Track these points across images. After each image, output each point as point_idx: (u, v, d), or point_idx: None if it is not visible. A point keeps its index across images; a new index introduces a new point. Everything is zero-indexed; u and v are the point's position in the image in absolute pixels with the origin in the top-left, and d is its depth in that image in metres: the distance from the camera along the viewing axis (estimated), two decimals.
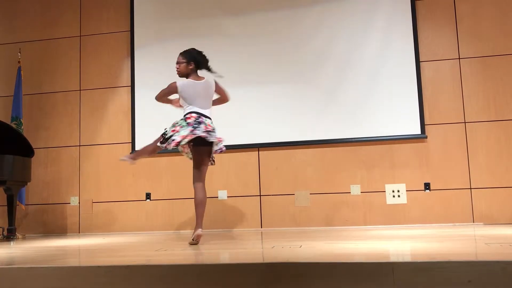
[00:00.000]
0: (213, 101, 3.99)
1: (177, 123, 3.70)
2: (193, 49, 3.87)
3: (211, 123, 3.76)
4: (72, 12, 6.01)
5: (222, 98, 4.06)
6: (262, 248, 3.19)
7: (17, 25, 6.12)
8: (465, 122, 5.04)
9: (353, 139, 5.19)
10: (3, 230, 5.04)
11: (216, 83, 3.93)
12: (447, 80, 5.13)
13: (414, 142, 5.11)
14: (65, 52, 5.95)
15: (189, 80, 3.79)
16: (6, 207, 5.03)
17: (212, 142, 3.68)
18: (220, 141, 3.78)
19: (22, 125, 5.64)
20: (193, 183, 3.77)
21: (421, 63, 5.16)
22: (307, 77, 5.34)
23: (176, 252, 3.10)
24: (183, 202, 5.44)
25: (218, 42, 5.54)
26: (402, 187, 5.06)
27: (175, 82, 3.78)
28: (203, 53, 3.88)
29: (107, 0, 5.94)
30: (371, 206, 5.09)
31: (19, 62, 5.83)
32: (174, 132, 3.62)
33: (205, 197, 3.74)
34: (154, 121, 5.59)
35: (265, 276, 2.20)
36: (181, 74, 3.83)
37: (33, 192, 5.76)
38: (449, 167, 5.01)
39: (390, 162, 5.12)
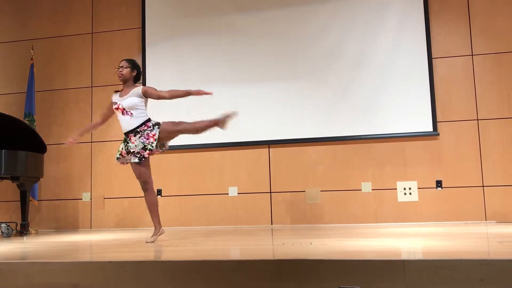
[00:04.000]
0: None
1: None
2: (136, 60, 3.95)
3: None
4: (84, 9, 6.05)
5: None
6: (273, 245, 3.19)
7: (30, 23, 6.17)
8: (477, 119, 5.00)
9: (364, 136, 5.16)
10: (16, 225, 5.10)
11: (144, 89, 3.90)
12: (459, 77, 5.09)
13: (426, 140, 5.07)
14: (77, 49, 5.99)
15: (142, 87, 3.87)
16: (19, 202, 5.09)
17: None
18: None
19: (34, 122, 5.69)
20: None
21: (433, 60, 5.12)
22: (318, 75, 5.32)
23: (186, 248, 3.11)
24: (193, 198, 5.46)
25: (229, 40, 5.55)
26: (413, 184, 5.03)
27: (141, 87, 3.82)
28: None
29: None
30: (382, 203, 5.07)
31: (31, 59, 5.89)
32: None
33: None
34: (164, 117, 5.61)
35: (275, 273, 2.20)
36: (123, 78, 3.81)
37: (45, 188, 5.82)
38: (461, 165, 4.97)
39: (401, 160, 5.09)
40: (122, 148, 3.74)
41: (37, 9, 6.17)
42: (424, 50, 5.12)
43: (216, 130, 3.87)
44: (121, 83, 3.85)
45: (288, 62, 5.40)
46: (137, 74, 3.87)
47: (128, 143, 3.70)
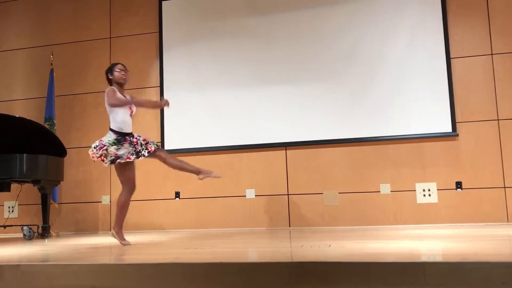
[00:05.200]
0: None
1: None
2: None
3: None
4: (102, 15, 6.13)
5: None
6: (291, 247, 3.18)
7: (49, 29, 6.27)
8: (498, 120, 4.92)
9: (382, 138, 5.12)
10: (38, 228, 5.17)
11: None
12: (479, 77, 5.02)
13: (445, 140, 5.01)
14: (95, 54, 6.07)
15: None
16: (40, 205, 5.16)
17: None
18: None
19: (54, 126, 5.77)
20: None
21: (451, 59, 5.06)
22: (335, 76, 5.30)
23: (205, 250, 3.13)
24: (212, 200, 5.48)
25: (245, 43, 5.57)
26: (433, 186, 4.98)
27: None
28: None
29: (136, 2, 6.03)
30: (401, 205, 5.02)
31: (51, 64, 5.98)
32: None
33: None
34: (182, 120, 5.67)
35: (294, 275, 2.19)
36: (126, 82, 3.95)
37: (66, 191, 5.90)
38: (481, 165, 4.90)
39: (420, 161, 5.04)
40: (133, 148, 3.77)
41: (56, 15, 6.27)
42: (442, 50, 5.07)
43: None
44: (120, 85, 3.91)
45: (305, 64, 5.39)
46: None
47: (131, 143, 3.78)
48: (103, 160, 3.71)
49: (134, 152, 3.73)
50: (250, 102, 5.48)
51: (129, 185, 3.83)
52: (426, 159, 5.03)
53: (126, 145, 3.74)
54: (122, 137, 3.75)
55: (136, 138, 3.83)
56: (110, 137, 3.75)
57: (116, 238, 3.81)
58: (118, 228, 3.80)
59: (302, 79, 5.38)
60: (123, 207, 3.81)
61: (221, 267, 2.31)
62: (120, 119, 3.78)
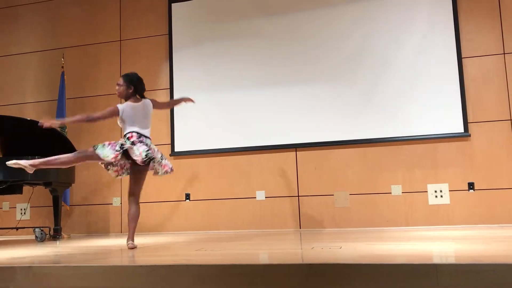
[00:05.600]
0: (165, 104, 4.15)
1: (121, 143, 3.66)
2: (135, 74, 3.87)
3: (151, 143, 3.77)
4: (112, 17, 6.16)
5: (167, 107, 4.39)
6: (301, 249, 3.17)
7: (60, 32, 6.32)
8: (511, 120, 4.87)
9: (393, 138, 5.09)
10: (49, 230, 5.21)
11: (153, 101, 3.95)
12: (491, 76, 4.97)
13: (457, 141, 4.97)
14: (106, 56, 6.11)
15: (128, 103, 3.80)
16: (52, 207, 5.20)
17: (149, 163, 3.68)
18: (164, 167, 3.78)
19: (66, 128, 5.81)
20: (128, 197, 3.77)
21: (463, 59, 5.01)
22: (345, 76, 5.28)
23: (215, 252, 3.12)
24: (222, 202, 5.48)
25: (254, 44, 5.57)
26: (445, 187, 4.93)
27: (116, 107, 3.74)
28: (142, 80, 3.87)
29: (145, 5, 6.06)
30: (412, 206, 4.98)
31: (62, 67, 6.03)
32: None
33: (137, 212, 3.72)
34: (192, 123, 5.68)
35: (305, 277, 2.18)
36: (121, 96, 3.84)
37: (77, 193, 5.93)
38: (494, 166, 4.85)
39: (432, 162, 5.00)
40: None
41: (67, 18, 6.32)
42: (454, 49, 5.02)
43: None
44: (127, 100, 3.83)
45: (315, 65, 5.37)
46: (135, 89, 3.82)
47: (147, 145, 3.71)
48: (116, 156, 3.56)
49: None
50: (260, 103, 5.48)
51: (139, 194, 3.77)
52: (438, 160, 4.99)
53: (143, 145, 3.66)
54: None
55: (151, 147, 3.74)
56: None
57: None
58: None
59: (312, 79, 5.36)
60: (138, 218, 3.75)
61: (232, 269, 2.30)
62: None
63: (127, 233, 3.70)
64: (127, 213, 3.73)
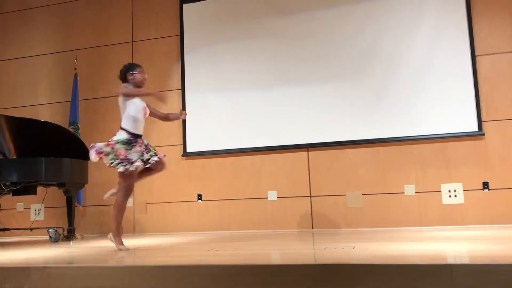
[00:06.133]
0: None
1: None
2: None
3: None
4: (124, 19, 6.20)
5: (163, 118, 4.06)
6: (314, 249, 3.15)
7: (73, 34, 6.37)
8: None
9: (406, 138, 5.05)
10: (63, 230, 5.26)
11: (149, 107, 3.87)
12: (505, 74, 4.90)
13: (470, 140, 4.91)
14: (118, 57, 6.13)
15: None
16: (65, 208, 5.24)
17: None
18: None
19: (79, 129, 5.86)
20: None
21: (476, 57, 4.96)
22: (357, 76, 5.25)
23: (227, 252, 3.12)
24: (234, 202, 5.48)
25: (266, 44, 5.56)
26: (458, 186, 4.88)
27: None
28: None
29: (157, 6, 6.08)
30: (426, 206, 4.94)
31: (75, 68, 6.08)
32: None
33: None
34: (204, 124, 5.68)
35: (317, 278, 2.17)
36: (143, 85, 3.83)
37: (90, 193, 5.97)
38: (509, 165, 4.79)
39: (445, 161, 4.95)
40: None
41: (79, 20, 6.37)
42: (467, 47, 4.97)
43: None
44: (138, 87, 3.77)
45: (326, 64, 5.35)
46: None
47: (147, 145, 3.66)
48: (101, 158, 3.48)
49: (141, 160, 3.53)
50: (271, 103, 5.47)
51: (129, 188, 3.64)
52: (451, 159, 4.94)
53: (138, 148, 3.54)
54: (134, 139, 3.57)
55: (145, 143, 3.65)
56: (121, 135, 3.58)
57: (114, 242, 3.59)
58: (118, 233, 3.60)
59: (324, 78, 5.34)
60: (121, 210, 3.61)
61: (244, 269, 2.30)
62: (133, 114, 3.60)
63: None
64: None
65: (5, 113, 5.60)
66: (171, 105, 5.85)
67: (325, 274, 2.17)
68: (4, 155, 5.17)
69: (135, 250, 3.65)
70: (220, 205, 5.54)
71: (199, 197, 5.61)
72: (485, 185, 4.82)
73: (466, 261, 2.43)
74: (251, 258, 2.82)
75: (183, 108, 5.75)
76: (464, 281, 2.00)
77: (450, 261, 2.36)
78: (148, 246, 3.99)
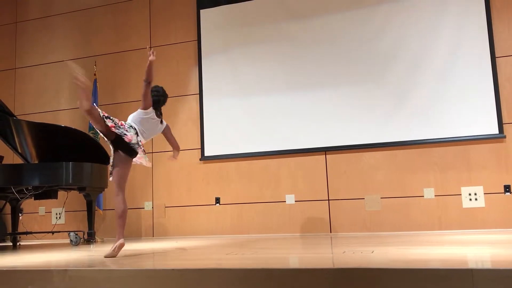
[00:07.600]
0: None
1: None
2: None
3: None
4: (142, 24, 6.27)
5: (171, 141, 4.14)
6: (332, 253, 3.14)
7: (92, 40, 6.47)
8: None
9: (425, 141, 5.00)
10: (83, 234, 5.32)
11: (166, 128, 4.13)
12: None
13: (491, 142, 4.84)
14: (136, 63, 6.21)
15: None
16: (86, 212, 5.31)
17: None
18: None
19: (98, 135, 5.92)
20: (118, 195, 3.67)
21: (497, 59, 4.89)
22: (375, 78, 5.23)
23: (246, 256, 3.13)
24: (252, 206, 5.49)
25: (283, 48, 5.57)
26: (479, 189, 4.81)
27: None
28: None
29: (175, 12, 6.14)
30: (446, 210, 4.88)
31: (95, 74, 6.17)
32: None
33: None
34: (221, 128, 5.71)
35: (336, 282, 2.16)
36: None
37: (110, 198, 6.04)
38: None
39: (465, 164, 4.89)
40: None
41: (98, 27, 6.47)
42: (487, 49, 4.91)
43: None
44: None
45: (344, 67, 5.34)
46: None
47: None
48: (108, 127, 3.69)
49: (138, 145, 3.68)
50: (289, 106, 5.47)
51: (123, 187, 3.70)
52: (471, 162, 4.87)
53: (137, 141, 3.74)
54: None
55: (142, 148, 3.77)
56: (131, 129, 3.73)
57: (116, 251, 3.39)
58: (123, 239, 3.48)
59: (342, 82, 5.33)
60: (125, 215, 3.68)
61: (263, 273, 2.30)
62: (140, 127, 3.89)
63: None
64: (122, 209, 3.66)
65: (28, 119, 5.71)
66: (189, 110, 5.91)
67: (343, 279, 2.16)
68: (26, 159, 5.26)
69: (154, 253, 3.68)
70: (238, 208, 5.55)
71: (217, 200, 5.64)
72: (507, 189, 4.75)
73: (488, 265, 2.39)
74: (269, 262, 2.82)
75: (201, 112, 5.78)
76: (486, 286, 1.97)
77: (472, 265, 2.32)
78: (167, 249, 4.01)
